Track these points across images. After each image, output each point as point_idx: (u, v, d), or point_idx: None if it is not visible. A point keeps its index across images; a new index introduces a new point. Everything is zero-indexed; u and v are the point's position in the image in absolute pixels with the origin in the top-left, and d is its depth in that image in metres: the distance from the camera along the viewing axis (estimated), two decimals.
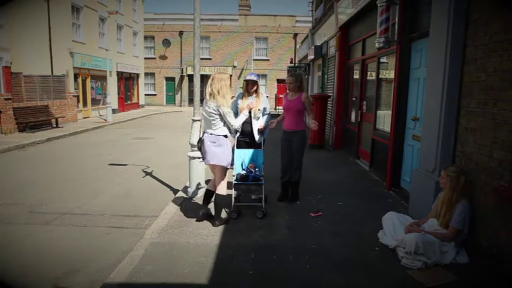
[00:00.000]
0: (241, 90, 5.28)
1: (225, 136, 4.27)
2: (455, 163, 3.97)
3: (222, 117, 4.22)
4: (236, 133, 4.74)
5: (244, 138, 5.17)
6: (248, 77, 5.09)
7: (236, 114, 4.99)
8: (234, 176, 4.85)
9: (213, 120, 4.22)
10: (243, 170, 4.96)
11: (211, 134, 4.26)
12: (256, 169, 4.94)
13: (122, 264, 3.42)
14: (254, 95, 5.10)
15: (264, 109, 5.12)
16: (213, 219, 4.41)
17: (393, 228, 3.79)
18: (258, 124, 5.07)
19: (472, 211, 3.57)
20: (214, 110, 4.17)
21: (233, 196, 4.69)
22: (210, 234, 4.08)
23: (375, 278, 3.22)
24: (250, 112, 4.94)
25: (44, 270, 3.55)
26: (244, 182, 4.75)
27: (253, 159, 5.05)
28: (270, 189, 5.45)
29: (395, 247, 3.63)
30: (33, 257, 3.84)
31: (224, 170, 4.38)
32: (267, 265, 3.42)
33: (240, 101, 5.15)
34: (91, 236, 4.40)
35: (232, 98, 4.42)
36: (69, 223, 4.80)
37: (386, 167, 6.05)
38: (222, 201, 4.42)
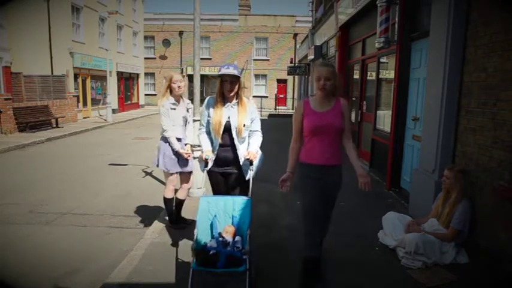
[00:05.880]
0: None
1: (165, 140, 3.99)
2: (456, 163, 3.97)
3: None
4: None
5: (221, 169, 3.16)
6: (223, 71, 3.00)
7: (209, 133, 3.22)
8: (192, 250, 2.53)
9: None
10: (212, 238, 2.72)
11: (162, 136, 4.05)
12: (237, 237, 2.69)
13: (122, 264, 3.42)
14: (234, 101, 3.13)
15: (252, 122, 3.19)
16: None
17: (393, 228, 3.80)
18: (243, 151, 3.13)
19: (472, 211, 3.57)
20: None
21: None
22: None
23: (375, 278, 3.22)
24: (230, 130, 3.10)
25: (44, 270, 3.55)
26: (211, 268, 2.44)
27: (232, 218, 2.80)
28: (269, 188, 5.43)
29: (396, 247, 3.63)
30: (33, 257, 3.84)
31: (166, 174, 4.16)
32: (267, 265, 3.42)
33: (211, 111, 3.14)
34: (91, 236, 4.40)
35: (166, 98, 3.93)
36: (69, 223, 4.80)
37: (386, 167, 6.05)
38: (166, 204, 4.28)
